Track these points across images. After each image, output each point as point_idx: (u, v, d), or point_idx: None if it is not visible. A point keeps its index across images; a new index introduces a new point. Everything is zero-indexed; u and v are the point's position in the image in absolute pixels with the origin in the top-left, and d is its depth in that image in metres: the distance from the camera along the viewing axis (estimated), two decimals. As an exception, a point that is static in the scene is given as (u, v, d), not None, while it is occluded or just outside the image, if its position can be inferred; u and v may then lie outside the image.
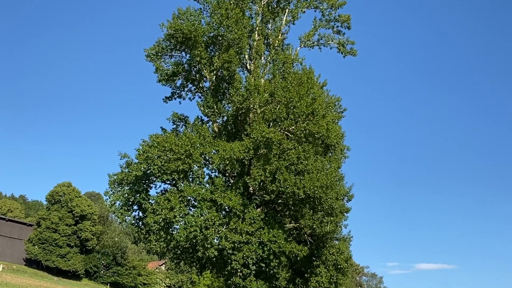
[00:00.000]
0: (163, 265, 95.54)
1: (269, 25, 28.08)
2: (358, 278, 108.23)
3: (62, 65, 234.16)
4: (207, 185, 23.64)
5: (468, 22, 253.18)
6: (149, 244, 23.67)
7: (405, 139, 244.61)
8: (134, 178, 23.10)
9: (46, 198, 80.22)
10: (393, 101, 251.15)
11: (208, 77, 25.72)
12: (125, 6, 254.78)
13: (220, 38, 24.75)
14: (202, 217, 21.73)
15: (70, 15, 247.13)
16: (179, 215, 21.69)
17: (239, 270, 22.58)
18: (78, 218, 77.24)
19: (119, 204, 23.68)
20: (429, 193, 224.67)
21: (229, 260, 22.55)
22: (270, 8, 27.81)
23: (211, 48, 25.74)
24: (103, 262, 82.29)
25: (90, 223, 79.04)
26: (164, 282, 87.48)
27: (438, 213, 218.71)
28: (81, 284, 73.59)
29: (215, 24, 24.50)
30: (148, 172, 22.59)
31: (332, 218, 25.30)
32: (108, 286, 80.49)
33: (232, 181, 24.86)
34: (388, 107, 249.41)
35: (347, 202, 29.97)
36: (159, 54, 25.85)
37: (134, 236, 25.23)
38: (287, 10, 28.23)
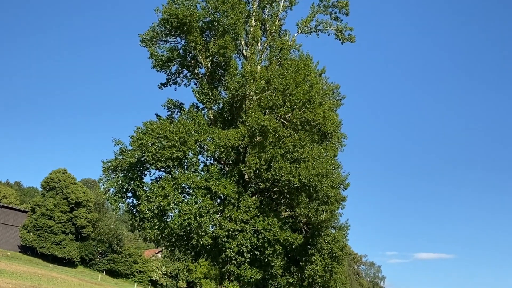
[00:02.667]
0: (160, 253, 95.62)
1: (266, 11, 27.65)
2: (356, 267, 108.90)
3: (57, 52, 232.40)
4: (202, 173, 23.45)
5: (474, 7, 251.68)
6: (143, 231, 23.52)
7: (404, 127, 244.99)
8: (128, 165, 22.85)
9: (41, 184, 79.89)
10: (393, 89, 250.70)
11: (203, 63, 25.33)
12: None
13: (216, 24, 24.35)
14: (196, 205, 21.56)
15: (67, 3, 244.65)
16: (173, 202, 21.52)
17: (233, 258, 22.49)
18: (73, 205, 76.95)
19: (113, 191, 23.49)
20: (428, 182, 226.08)
21: (224, 248, 22.46)
22: (267, -7, 27.31)
23: (206, 33, 25.34)
24: (98, 250, 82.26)
25: (86, 210, 78.78)
26: (161, 270, 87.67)
27: (437, 202, 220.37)
28: (76, 271, 73.57)
29: (211, 9, 24.09)
30: (142, 159, 22.35)
31: (327, 207, 25.12)
32: (104, 273, 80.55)
33: (227, 168, 24.65)
34: (388, 95, 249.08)
35: (343, 190, 29.78)
36: (154, 39, 25.40)
37: (130, 224, 25.07)
38: (284, -5, 27.76)
